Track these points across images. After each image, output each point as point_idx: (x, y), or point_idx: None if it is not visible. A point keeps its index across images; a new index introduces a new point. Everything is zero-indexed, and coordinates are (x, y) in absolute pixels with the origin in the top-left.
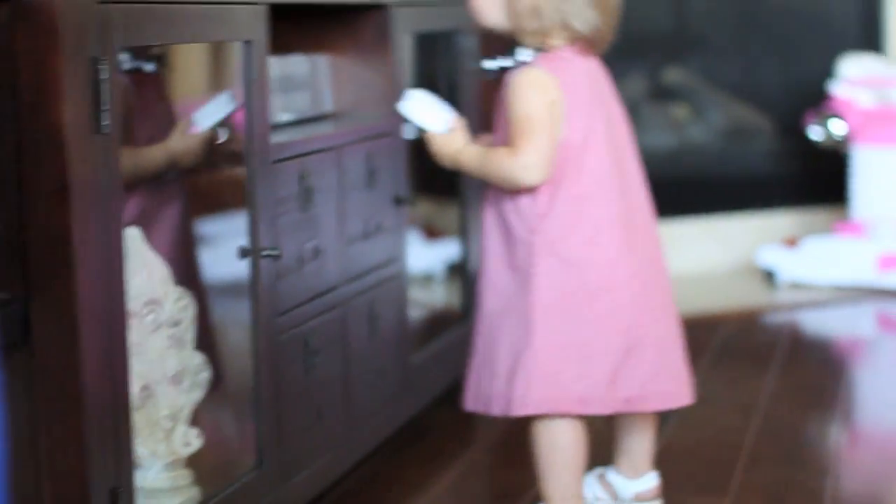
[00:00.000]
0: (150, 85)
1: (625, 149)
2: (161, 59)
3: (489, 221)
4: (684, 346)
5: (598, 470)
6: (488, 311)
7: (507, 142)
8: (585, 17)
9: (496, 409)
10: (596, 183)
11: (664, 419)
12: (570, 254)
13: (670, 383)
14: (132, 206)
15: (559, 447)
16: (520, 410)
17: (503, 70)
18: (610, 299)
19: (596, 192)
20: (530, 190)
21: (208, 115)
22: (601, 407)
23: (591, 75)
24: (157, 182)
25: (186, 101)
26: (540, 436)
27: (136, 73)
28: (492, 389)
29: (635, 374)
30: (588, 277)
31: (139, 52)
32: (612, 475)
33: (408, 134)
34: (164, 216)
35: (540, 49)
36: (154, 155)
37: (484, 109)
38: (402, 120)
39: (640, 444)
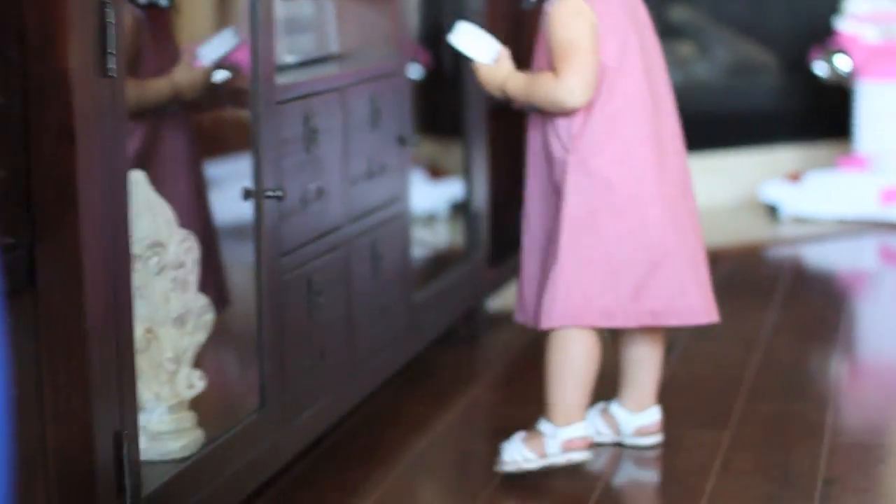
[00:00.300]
0: (163, 20)
1: (658, 74)
2: None
3: (533, 145)
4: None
5: (601, 405)
6: (534, 229)
7: (549, 68)
8: None
9: (534, 322)
10: (628, 104)
11: (667, 352)
12: (599, 171)
13: (697, 299)
14: (137, 148)
15: (571, 358)
16: (546, 323)
17: (541, 0)
18: (637, 215)
19: (628, 112)
20: (568, 111)
21: (213, 49)
22: (625, 319)
23: (627, 2)
24: (161, 119)
25: (195, 37)
26: (554, 345)
27: (149, 7)
28: (526, 302)
29: (662, 289)
30: (616, 194)
31: None
32: (615, 409)
33: (413, 74)
34: (168, 158)
35: None
36: (158, 87)
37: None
38: (414, 59)
39: (645, 377)
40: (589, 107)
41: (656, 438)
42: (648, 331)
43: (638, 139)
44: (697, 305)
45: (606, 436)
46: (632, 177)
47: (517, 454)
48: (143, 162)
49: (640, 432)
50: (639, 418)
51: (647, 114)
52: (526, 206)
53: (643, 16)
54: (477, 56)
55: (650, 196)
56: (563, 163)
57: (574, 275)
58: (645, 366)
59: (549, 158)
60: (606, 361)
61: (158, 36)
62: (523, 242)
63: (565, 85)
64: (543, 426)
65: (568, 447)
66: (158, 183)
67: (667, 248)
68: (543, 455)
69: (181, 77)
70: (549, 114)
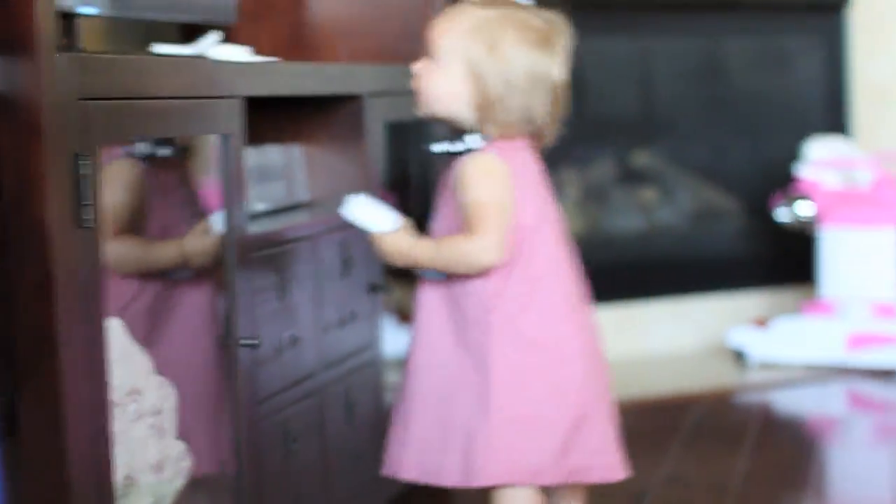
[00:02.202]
0: (171, 171)
1: (564, 236)
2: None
3: (432, 303)
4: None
5: None
6: (432, 387)
7: (457, 228)
8: (545, 112)
9: (449, 481)
10: (549, 265)
11: (638, 500)
12: (526, 330)
13: (612, 456)
14: (113, 297)
15: None
16: (480, 481)
17: (450, 154)
18: (563, 374)
19: (549, 273)
20: (482, 273)
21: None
22: (551, 477)
23: (536, 165)
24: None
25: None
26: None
27: (151, 158)
28: (444, 462)
29: (586, 444)
30: (543, 352)
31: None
32: None
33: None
34: (143, 306)
35: (490, 137)
36: (167, 251)
37: None
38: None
39: None
40: (510, 267)
41: None
42: (570, 488)
43: (559, 299)
44: (616, 461)
45: None
46: (556, 335)
47: None
48: (119, 311)
49: None
50: None
51: (566, 270)
52: (420, 364)
53: (545, 181)
54: (375, 226)
55: (572, 353)
56: (485, 323)
57: (505, 434)
58: None
59: (457, 317)
60: None
61: (167, 187)
62: (413, 401)
63: (480, 244)
64: None
65: None
66: (134, 331)
67: (587, 407)
68: None
69: (193, 245)
70: (459, 276)
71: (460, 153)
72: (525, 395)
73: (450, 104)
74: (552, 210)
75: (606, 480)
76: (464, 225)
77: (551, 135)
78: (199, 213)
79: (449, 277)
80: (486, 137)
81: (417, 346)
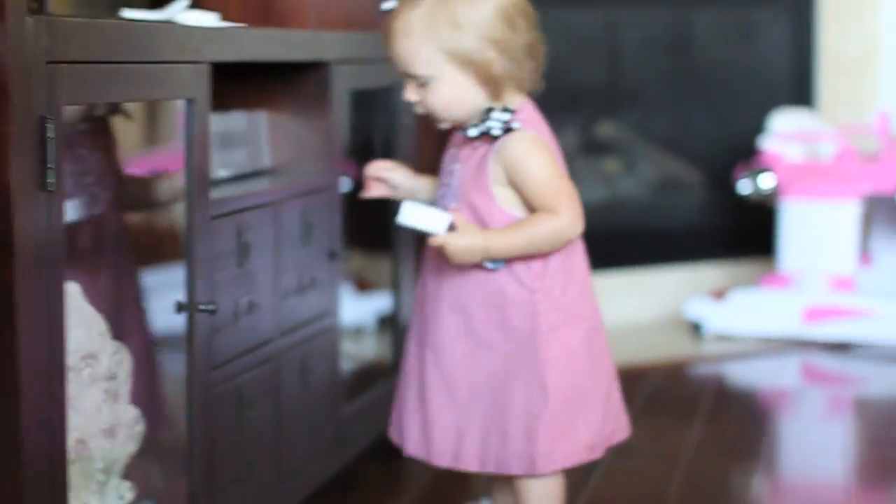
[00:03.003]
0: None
1: None
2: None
3: (467, 286)
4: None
5: None
6: (486, 375)
7: (494, 207)
8: (531, 71)
9: (517, 469)
10: None
11: (590, 470)
12: (569, 306)
13: (625, 416)
14: (71, 260)
15: (555, 496)
16: (548, 467)
17: (484, 135)
18: (598, 345)
19: (577, 243)
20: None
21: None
22: (599, 450)
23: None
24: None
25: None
26: (537, 488)
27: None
28: (507, 450)
29: (611, 411)
30: (583, 326)
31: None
32: None
33: (342, 188)
34: (102, 270)
35: (512, 109)
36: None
37: (420, 165)
38: (341, 181)
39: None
40: None
41: None
42: (506, 479)
43: (585, 264)
44: (625, 424)
45: None
46: (590, 305)
47: None
48: (76, 274)
49: None
50: None
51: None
52: (463, 354)
53: None
54: (433, 228)
55: (600, 321)
56: (530, 304)
57: (564, 414)
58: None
59: (496, 300)
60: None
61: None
62: (434, 394)
63: (567, 219)
64: None
65: None
66: (91, 295)
67: (611, 373)
68: None
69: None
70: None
71: (495, 134)
72: (573, 372)
73: (464, 106)
74: (562, 162)
75: (621, 441)
76: (537, 203)
77: (538, 78)
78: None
79: (476, 266)
80: (510, 109)
81: (446, 335)
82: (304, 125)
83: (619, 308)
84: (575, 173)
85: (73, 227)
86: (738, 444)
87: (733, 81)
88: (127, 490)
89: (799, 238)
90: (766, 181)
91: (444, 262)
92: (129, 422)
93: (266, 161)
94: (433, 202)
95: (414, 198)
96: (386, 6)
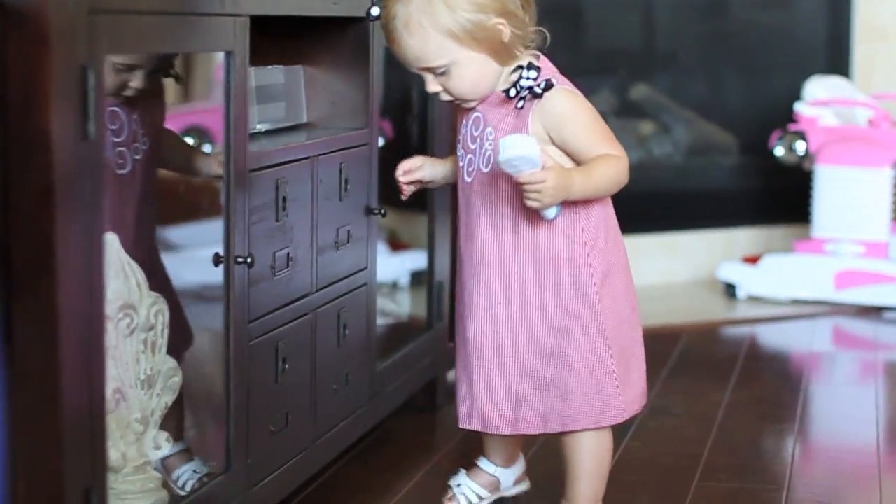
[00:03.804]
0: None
1: None
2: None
3: (507, 247)
4: None
5: (465, 472)
6: (537, 335)
7: (575, 161)
8: (530, 23)
9: (587, 423)
10: None
11: (622, 429)
12: (611, 255)
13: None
14: (110, 211)
15: (608, 451)
16: (619, 417)
17: (527, 91)
18: (633, 294)
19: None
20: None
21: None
22: (643, 401)
23: None
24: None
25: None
26: (592, 444)
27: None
28: (573, 406)
29: (643, 364)
30: (623, 274)
31: None
32: (492, 469)
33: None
34: (140, 222)
35: (536, 65)
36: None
37: (455, 120)
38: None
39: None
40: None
41: (526, 485)
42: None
43: (614, 214)
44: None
45: (487, 499)
46: (624, 254)
47: None
48: (115, 225)
49: (518, 480)
50: (514, 470)
51: None
52: (516, 316)
53: None
54: (534, 161)
55: (631, 272)
56: (580, 257)
57: (623, 364)
58: None
59: (537, 257)
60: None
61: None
62: (481, 362)
63: (625, 160)
64: None
65: None
66: (129, 246)
67: (639, 324)
68: None
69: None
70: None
71: (538, 92)
72: (622, 320)
73: (487, 80)
74: None
75: None
76: (575, 157)
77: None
78: None
79: (516, 217)
80: (535, 66)
81: (490, 302)
82: (341, 80)
83: (653, 269)
84: None
85: (114, 178)
86: (770, 406)
87: (768, 47)
88: (164, 440)
89: (832, 204)
90: (800, 146)
91: (483, 226)
92: (166, 372)
93: (303, 115)
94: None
95: (447, 180)
96: (373, 13)
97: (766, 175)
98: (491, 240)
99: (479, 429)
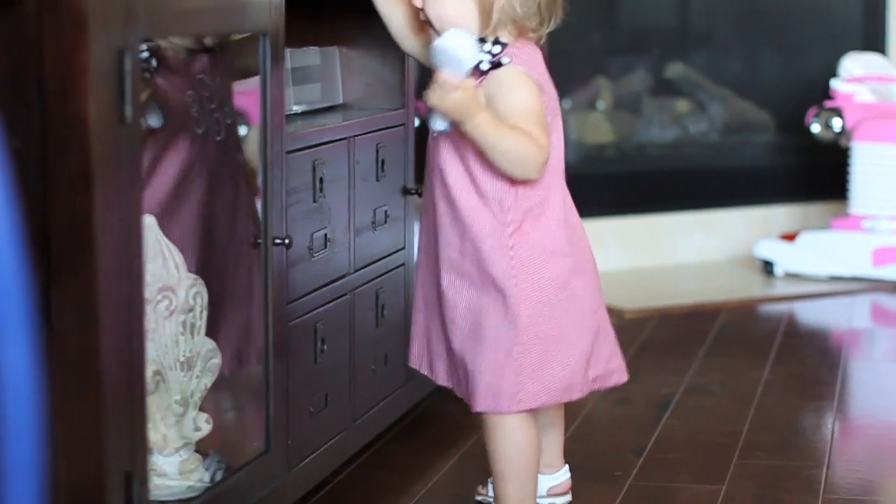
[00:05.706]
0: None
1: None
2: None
3: (445, 216)
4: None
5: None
6: (464, 307)
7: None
8: (538, 23)
9: (481, 405)
10: (558, 168)
11: (661, 407)
12: (540, 243)
13: (620, 359)
14: (149, 194)
15: (521, 451)
16: (513, 406)
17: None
18: (582, 284)
19: (558, 176)
20: (519, 178)
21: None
22: (580, 391)
23: (543, 63)
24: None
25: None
26: (504, 434)
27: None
28: (474, 385)
29: (601, 353)
30: (562, 263)
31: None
32: None
33: (438, 126)
34: (178, 204)
35: (504, 43)
36: None
37: None
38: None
39: (554, 438)
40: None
41: (567, 499)
42: (555, 412)
43: (568, 203)
44: (623, 363)
45: None
46: (569, 245)
47: None
48: (154, 208)
49: (552, 493)
50: (552, 479)
51: (561, 173)
52: (453, 281)
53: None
54: (465, 63)
55: (586, 260)
56: (501, 237)
57: (536, 352)
58: (554, 428)
59: (476, 237)
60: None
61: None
62: (451, 324)
63: (537, 147)
64: None
65: None
66: (167, 228)
67: (600, 313)
68: None
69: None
70: (482, 180)
71: (483, 69)
72: (548, 310)
73: (459, 25)
74: (558, 108)
75: (619, 384)
76: None
77: (555, 21)
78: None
79: (455, 186)
80: (501, 42)
81: (438, 260)
82: (377, 61)
83: (690, 247)
84: (644, 114)
85: (152, 161)
86: (809, 384)
87: (804, 23)
88: (204, 422)
89: (869, 180)
90: (837, 123)
91: (433, 186)
92: (205, 354)
93: (339, 97)
94: None
95: None
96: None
97: (803, 152)
98: (446, 206)
99: (410, 363)
